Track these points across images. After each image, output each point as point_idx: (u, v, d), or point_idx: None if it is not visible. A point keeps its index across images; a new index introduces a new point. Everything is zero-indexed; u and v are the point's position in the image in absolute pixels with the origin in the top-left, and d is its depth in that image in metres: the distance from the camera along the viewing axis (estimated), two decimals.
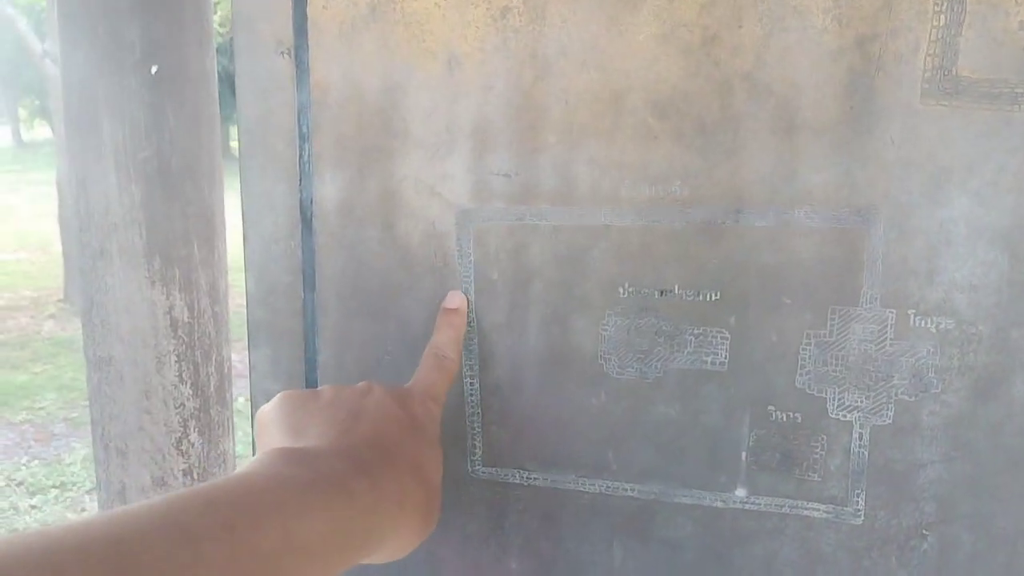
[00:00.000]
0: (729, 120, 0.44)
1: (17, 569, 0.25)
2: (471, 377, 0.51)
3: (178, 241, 0.77)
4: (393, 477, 0.39)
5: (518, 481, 0.51)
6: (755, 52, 0.43)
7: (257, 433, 0.43)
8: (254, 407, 0.55)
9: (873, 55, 0.42)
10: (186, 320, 0.75)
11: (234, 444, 0.87)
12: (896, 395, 0.45)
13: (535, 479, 0.51)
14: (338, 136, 0.49)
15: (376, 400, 0.42)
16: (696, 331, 0.47)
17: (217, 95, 0.84)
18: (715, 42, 0.44)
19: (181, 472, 0.79)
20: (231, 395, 0.85)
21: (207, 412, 0.79)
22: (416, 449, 0.41)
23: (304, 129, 0.50)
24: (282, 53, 0.50)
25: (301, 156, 0.50)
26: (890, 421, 0.45)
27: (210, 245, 0.74)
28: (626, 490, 0.50)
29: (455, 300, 0.49)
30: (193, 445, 0.79)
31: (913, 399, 0.45)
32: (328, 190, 0.50)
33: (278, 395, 0.44)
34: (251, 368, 0.54)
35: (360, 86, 0.49)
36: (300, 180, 0.51)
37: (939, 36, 0.41)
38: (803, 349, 0.46)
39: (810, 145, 0.44)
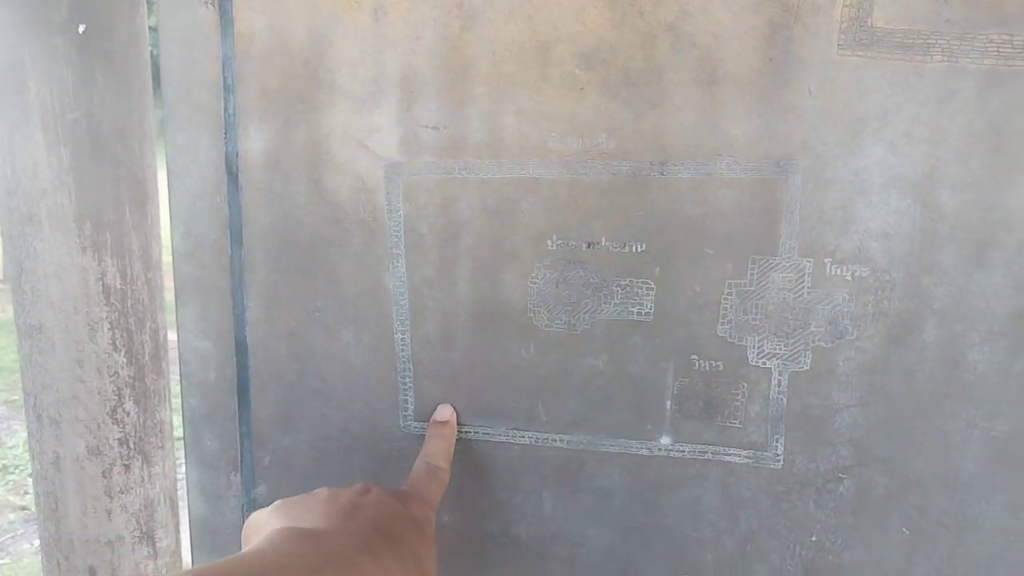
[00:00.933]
0: (653, 71, 0.45)
1: None
2: (402, 332, 0.51)
3: (109, 205, 0.75)
4: (398, 564, 0.39)
5: None
6: (678, 3, 0.44)
7: (245, 536, 0.42)
8: (182, 365, 0.54)
9: (792, 6, 0.43)
10: (119, 286, 0.73)
11: (170, 412, 0.85)
12: (813, 342, 0.46)
13: (466, 432, 0.51)
14: (263, 88, 0.49)
15: (375, 496, 0.42)
16: (623, 282, 0.48)
17: (148, 55, 0.82)
18: None
19: (117, 441, 0.78)
20: (167, 363, 0.83)
21: (142, 380, 0.78)
22: (416, 543, 0.41)
23: (229, 81, 0.49)
24: (205, 3, 0.49)
25: (226, 108, 0.50)
26: (807, 368, 0.46)
27: (143, 209, 0.72)
28: (555, 441, 0.51)
29: (444, 413, 0.50)
30: (128, 414, 0.78)
31: (829, 346, 0.46)
32: (254, 143, 0.50)
33: (274, 504, 0.43)
34: (179, 325, 0.53)
35: (285, 36, 0.48)
36: (225, 133, 0.50)
37: None
38: (724, 299, 0.47)
39: (731, 96, 0.44)
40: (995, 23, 0.41)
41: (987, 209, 0.43)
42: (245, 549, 0.37)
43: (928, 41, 0.42)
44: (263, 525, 0.41)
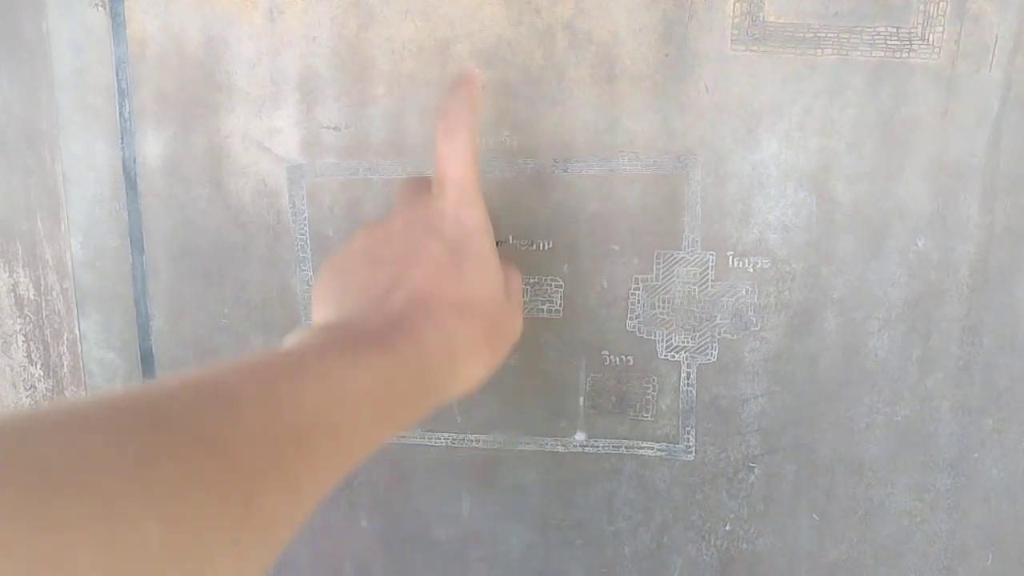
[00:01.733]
0: (552, 69, 0.45)
1: (40, 438, 0.23)
2: None
3: (20, 214, 0.72)
4: (438, 330, 0.35)
5: None
6: (574, 0, 0.44)
7: (312, 314, 0.39)
8: (87, 377, 0.52)
9: (686, 2, 0.43)
10: (32, 298, 0.71)
11: None
12: (719, 334, 0.47)
13: None
14: (159, 91, 0.47)
15: (411, 242, 0.37)
16: (531, 280, 0.48)
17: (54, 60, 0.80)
18: None
19: None
20: (86, 381, 0.81)
21: (61, 393, 0.75)
22: (461, 286, 0.36)
23: (123, 84, 0.48)
24: (96, 6, 0.47)
25: (121, 113, 0.48)
26: (715, 359, 0.47)
27: (55, 218, 0.70)
28: (472, 441, 0.50)
29: (469, 73, 0.40)
30: None
31: (735, 337, 0.47)
32: (152, 148, 0.48)
33: (320, 270, 0.39)
34: (81, 337, 0.52)
35: (180, 38, 0.47)
36: (122, 138, 0.48)
37: None
38: (632, 293, 0.47)
39: (630, 93, 0.44)
40: (882, 16, 0.42)
41: (880, 199, 0.44)
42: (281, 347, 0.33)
43: (819, 35, 0.43)
44: (313, 297, 0.39)
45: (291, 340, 0.33)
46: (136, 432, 0.24)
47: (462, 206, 0.38)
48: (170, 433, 0.24)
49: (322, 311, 0.38)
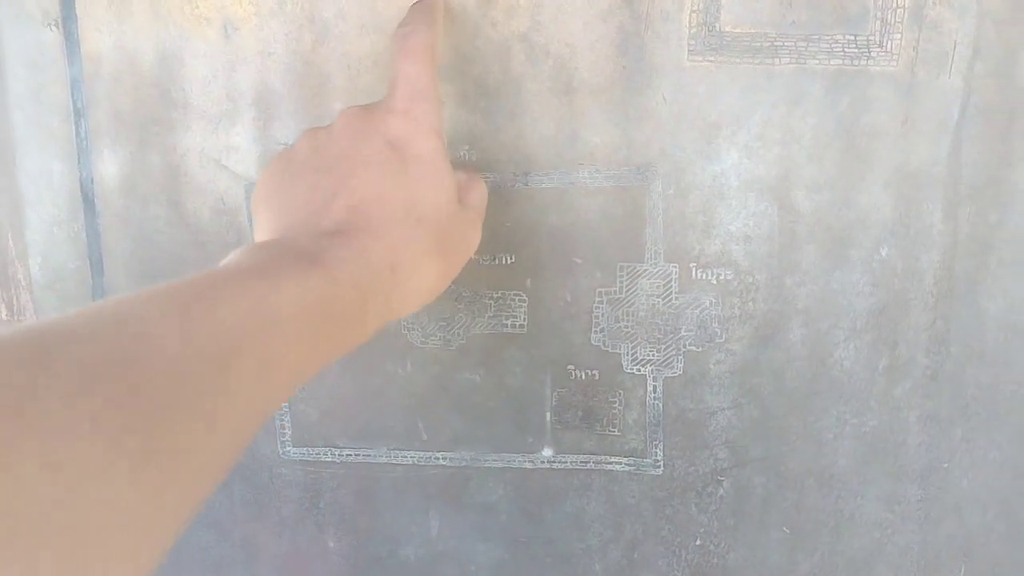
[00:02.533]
0: (510, 83, 0.44)
1: None
2: None
3: None
4: (379, 240, 0.33)
5: (330, 459, 0.50)
6: (530, 13, 0.43)
7: (253, 221, 0.38)
8: None
9: (641, 13, 0.43)
10: (4, 317, 0.70)
11: None
12: (684, 347, 0.46)
13: (347, 455, 0.50)
14: (115, 110, 0.47)
15: (352, 142, 0.35)
16: (495, 295, 0.47)
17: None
18: (491, 3, 0.43)
19: None
20: None
21: None
22: (406, 189, 0.34)
23: (79, 104, 0.47)
24: (50, 25, 0.47)
25: (77, 132, 0.48)
26: (680, 372, 0.46)
27: (26, 238, 0.69)
28: (438, 459, 0.50)
29: None
30: None
31: (700, 349, 0.46)
32: (108, 167, 0.48)
33: (265, 168, 0.38)
34: None
35: (134, 56, 0.46)
36: (79, 158, 0.48)
37: None
38: (596, 307, 0.46)
39: (588, 105, 0.44)
40: (840, 24, 0.42)
41: (842, 208, 0.44)
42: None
43: (776, 43, 0.42)
44: (254, 204, 0.37)
45: (223, 262, 0.31)
46: (20, 365, 0.21)
47: (413, 100, 0.36)
48: (60, 366, 0.22)
49: (263, 226, 0.36)
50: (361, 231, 0.33)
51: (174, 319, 0.25)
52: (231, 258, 0.32)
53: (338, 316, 0.31)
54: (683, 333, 0.46)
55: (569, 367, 0.47)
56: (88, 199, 0.48)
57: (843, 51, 0.42)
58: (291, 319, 0.28)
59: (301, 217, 0.34)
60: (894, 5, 0.41)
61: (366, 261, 0.32)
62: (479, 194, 0.41)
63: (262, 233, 0.36)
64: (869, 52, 0.42)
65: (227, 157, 0.47)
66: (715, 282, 0.45)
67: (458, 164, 0.39)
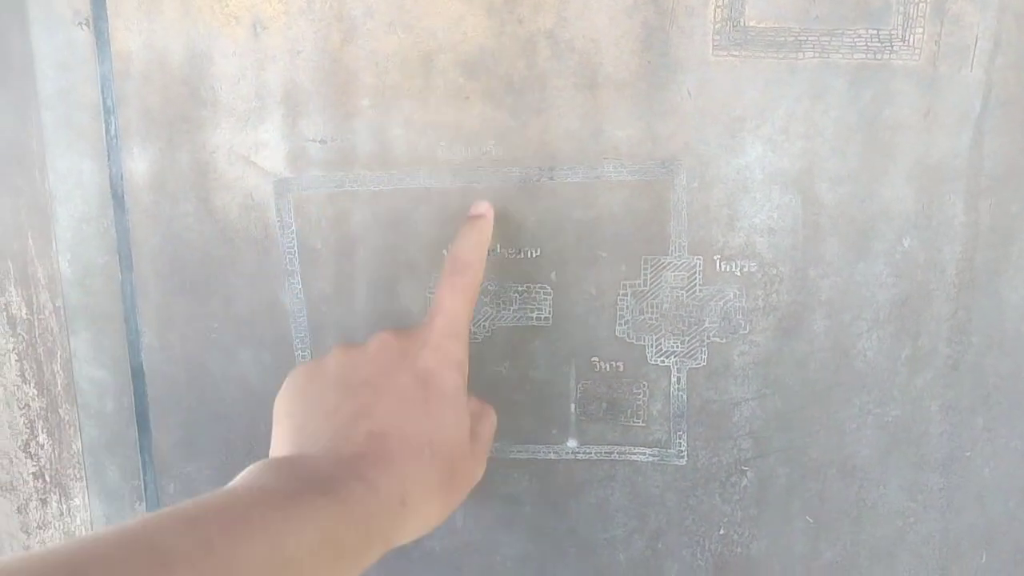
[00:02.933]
0: (536, 78, 0.45)
1: None
2: (302, 350, 0.50)
3: (10, 234, 0.72)
4: (394, 473, 0.34)
5: None
6: (556, 9, 0.44)
7: (274, 424, 0.39)
8: (79, 395, 0.52)
9: (666, 9, 0.43)
10: (25, 316, 0.71)
11: (82, 449, 0.83)
12: (708, 338, 0.47)
13: None
14: (144, 108, 0.48)
15: (382, 369, 0.37)
16: (520, 288, 0.48)
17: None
18: (517, 0, 0.44)
19: (32, 476, 0.75)
20: (77, 399, 0.81)
21: (55, 412, 0.75)
22: (426, 423, 0.36)
23: (109, 102, 0.48)
24: (80, 24, 0.48)
25: (107, 130, 0.48)
26: (704, 363, 0.47)
27: (46, 237, 0.70)
28: None
29: (481, 207, 0.44)
30: (43, 447, 0.75)
31: (724, 341, 0.47)
32: (138, 165, 0.48)
33: (287, 377, 0.39)
34: (72, 355, 0.52)
35: (164, 55, 0.47)
36: (108, 155, 0.49)
37: None
38: (620, 299, 0.47)
39: (613, 100, 0.45)
40: (862, 18, 0.42)
41: (865, 200, 0.44)
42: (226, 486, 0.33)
43: (799, 38, 0.43)
44: (277, 415, 0.39)
45: (244, 477, 0.33)
46: None
47: (447, 337, 0.39)
48: None
49: (284, 435, 0.38)
50: (378, 461, 0.34)
51: (201, 554, 0.27)
52: (252, 478, 0.33)
53: (347, 549, 0.32)
54: (707, 325, 0.47)
55: (594, 359, 0.48)
56: (118, 196, 0.49)
57: (866, 45, 0.43)
58: (305, 557, 0.30)
59: (322, 434, 0.36)
60: (916, 0, 0.42)
61: (378, 494, 0.33)
62: (488, 426, 0.42)
63: (282, 442, 0.38)
64: (891, 46, 0.42)
65: (256, 154, 0.47)
66: (739, 274, 0.46)
67: (469, 392, 0.41)
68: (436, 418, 0.37)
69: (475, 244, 0.42)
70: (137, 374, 0.51)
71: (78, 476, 0.89)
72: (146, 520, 0.28)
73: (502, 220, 0.47)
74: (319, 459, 0.34)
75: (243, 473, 0.34)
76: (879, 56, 0.43)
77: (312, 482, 0.32)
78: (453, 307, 0.39)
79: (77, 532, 0.91)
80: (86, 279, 0.51)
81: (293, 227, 0.48)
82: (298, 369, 0.40)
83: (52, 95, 0.49)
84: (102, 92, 0.48)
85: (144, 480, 0.53)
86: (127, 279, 0.50)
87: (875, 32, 0.42)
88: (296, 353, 0.50)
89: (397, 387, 0.37)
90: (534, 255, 0.47)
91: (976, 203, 0.44)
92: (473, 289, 0.40)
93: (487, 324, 0.48)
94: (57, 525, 0.91)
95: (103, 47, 0.48)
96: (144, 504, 0.53)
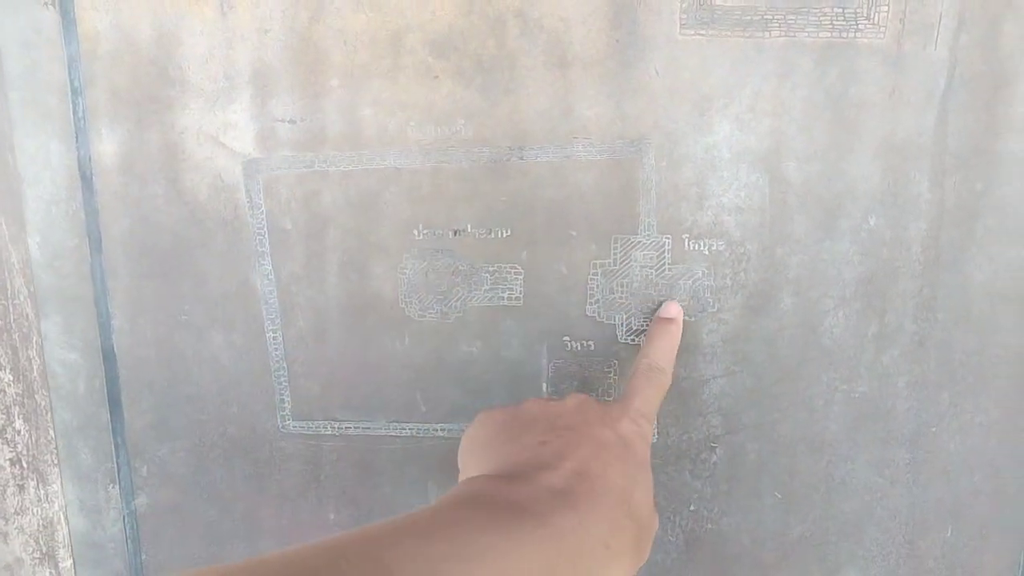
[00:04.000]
0: (505, 57, 0.45)
1: None
2: (273, 331, 0.50)
3: None
4: (601, 515, 0.34)
5: (330, 432, 0.51)
6: None
7: (460, 457, 0.39)
8: (50, 378, 0.52)
9: None
10: None
11: (54, 433, 0.83)
12: None
13: (347, 428, 0.51)
14: (112, 88, 0.47)
15: (583, 419, 0.38)
16: (491, 268, 0.48)
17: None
18: None
19: (8, 461, 0.75)
20: (49, 382, 0.80)
21: (31, 397, 0.75)
22: (626, 479, 0.36)
23: (76, 83, 0.48)
24: (46, 4, 0.47)
25: (75, 111, 0.48)
26: None
27: (20, 221, 0.69)
28: (437, 431, 0.50)
29: (672, 310, 0.46)
30: (19, 432, 0.75)
31: (693, 319, 0.47)
32: (106, 146, 0.48)
33: (478, 416, 0.40)
34: (43, 338, 0.52)
35: (131, 35, 0.47)
36: (76, 137, 0.48)
37: None
38: (591, 279, 0.47)
39: (582, 79, 0.45)
40: None
41: (832, 178, 0.44)
42: (439, 499, 0.33)
43: (766, 17, 0.43)
44: (470, 448, 0.39)
45: (457, 495, 0.33)
46: None
47: (643, 416, 0.40)
48: None
49: (482, 462, 0.37)
50: (586, 500, 0.34)
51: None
52: (465, 497, 0.33)
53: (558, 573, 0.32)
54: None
55: (565, 338, 0.48)
56: (86, 178, 0.49)
57: (831, 24, 0.43)
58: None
59: (527, 464, 0.35)
60: None
61: (588, 532, 0.33)
62: (656, 523, 0.41)
63: (480, 468, 0.37)
64: (857, 24, 0.43)
65: (224, 134, 0.47)
66: (707, 253, 0.46)
67: None
68: (634, 478, 0.37)
69: (668, 349, 0.44)
70: (108, 356, 0.51)
71: (55, 461, 0.89)
72: (369, 534, 0.28)
73: (472, 200, 0.47)
74: (532, 484, 0.34)
75: (457, 490, 0.34)
76: (845, 34, 0.43)
77: (529, 508, 0.32)
78: (647, 395, 0.41)
79: (55, 518, 0.91)
80: (55, 261, 0.50)
81: (263, 208, 0.48)
82: (490, 411, 0.40)
83: (18, 76, 0.48)
84: (69, 73, 0.48)
85: (117, 462, 0.53)
86: (96, 261, 0.50)
87: (840, 11, 0.43)
88: (267, 335, 0.50)
89: (601, 439, 0.37)
90: (504, 235, 0.47)
91: (941, 181, 0.44)
92: (665, 387, 0.43)
93: (458, 304, 0.48)
94: (35, 511, 0.91)
95: (69, 27, 0.47)
96: (117, 487, 0.53)
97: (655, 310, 0.47)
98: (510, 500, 0.32)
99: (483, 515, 0.31)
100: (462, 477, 0.39)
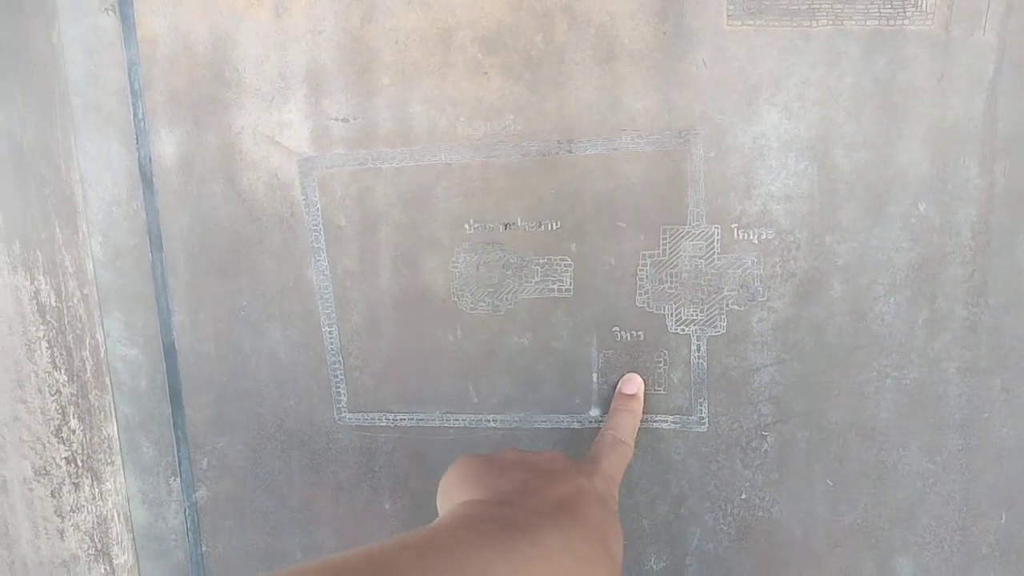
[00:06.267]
0: (553, 52, 0.46)
1: None
2: (329, 325, 0.51)
3: (38, 223, 0.74)
4: (584, 543, 0.36)
5: (385, 424, 0.52)
6: None
7: (439, 497, 0.41)
8: (112, 374, 0.54)
9: None
10: (54, 304, 0.73)
11: (117, 428, 0.85)
12: (727, 306, 0.48)
13: (401, 420, 0.52)
14: (170, 91, 0.49)
15: (562, 467, 0.40)
16: (541, 261, 0.49)
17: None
18: None
19: (64, 460, 0.77)
20: (111, 378, 0.82)
21: (85, 397, 0.77)
22: (602, 521, 0.38)
23: (136, 86, 0.49)
24: (106, 10, 0.49)
25: (135, 114, 0.50)
26: (724, 331, 0.48)
27: (73, 225, 0.71)
28: (488, 421, 0.51)
29: (632, 386, 0.49)
30: (74, 432, 0.77)
31: (742, 308, 0.47)
32: (166, 147, 0.50)
33: (458, 459, 0.42)
34: (105, 334, 0.53)
35: (189, 38, 0.48)
36: (136, 138, 0.50)
37: None
38: (640, 269, 0.48)
39: (629, 72, 0.45)
40: None
41: (881, 165, 0.45)
42: (433, 523, 0.35)
43: (813, 6, 0.43)
44: (450, 486, 0.40)
45: (453, 516, 0.35)
46: None
47: (611, 477, 0.42)
48: None
49: (466, 492, 0.39)
50: (572, 526, 0.36)
51: None
52: (465, 518, 0.34)
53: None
54: (726, 292, 0.47)
55: (615, 329, 0.49)
56: (146, 178, 0.50)
57: (879, 11, 0.43)
58: None
59: (509, 489, 0.37)
60: None
61: (575, 556, 0.35)
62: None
63: (461, 495, 0.39)
64: (904, 11, 0.43)
65: (280, 133, 0.48)
66: (756, 242, 0.46)
67: None
68: (610, 525, 0.38)
69: (630, 425, 0.47)
70: (169, 352, 0.53)
71: (109, 460, 0.91)
72: (372, 554, 0.30)
73: (522, 193, 0.48)
74: (520, 509, 0.36)
75: (454, 510, 0.36)
76: (892, 22, 0.43)
77: (520, 528, 0.34)
78: (613, 461, 0.44)
79: (109, 515, 0.93)
80: (117, 260, 0.52)
81: (318, 205, 0.49)
82: (471, 455, 0.42)
83: (80, 80, 0.50)
84: (129, 76, 0.49)
85: (178, 456, 0.54)
86: (157, 259, 0.51)
87: None
88: (323, 329, 0.51)
89: (579, 485, 0.39)
90: (554, 227, 0.48)
91: (991, 166, 0.44)
92: (628, 457, 0.45)
93: (509, 297, 0.49)
94: (90, 508, 0.93)
95: (129, 32, 0.49)
96: (178, 479, 0.55)
97: (705, 300, 0.47)
98: (505, 519, 0.34)
99: (479, 533, 0.33)
100: (442, 512, 0.40)
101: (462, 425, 0.52)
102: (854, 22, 0.43)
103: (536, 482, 0.38)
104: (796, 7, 0.43)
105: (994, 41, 0.43)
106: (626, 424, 0.47)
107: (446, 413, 0.52)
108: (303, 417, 0.52)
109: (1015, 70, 0.43)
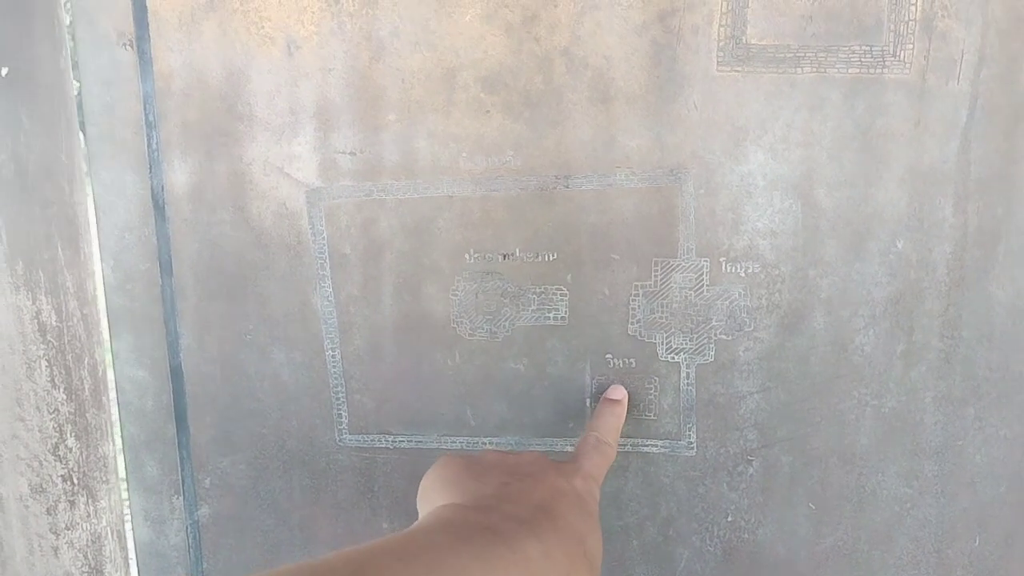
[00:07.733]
0: (552, 92, 0.48)
1: None
2: (332, 349, 0.53)
3: (41, 244, 0.76)
4: (562, 549, 0.36)
5: (384, 445, 0.54)
6: (570, 28, 0.47)
7: (419, 499, 0.42)
8: (119, 394, 0.55)
9: (673, 28, 0.46)
10: (54, 324, 0.74)
11: (114, 447, 0.86)
12: (715, 335, 0.50)
13: (400, 441, 0.54)
14: (184, 123, 0.51)
15: (541, 469, 0.41)
16: (538, 290, 0.51)
17: (74, 94, 0.83)
18: (534, 20, 0.47)
19: (60, 478, 0.78)
20: (108, 398, 0.84)
21: (83, 416, 0.79)
22: (581, 523, 0.38)
23: (151, 117, 0.51)
24: (124, 44, 0.51)
25: (149, 144, 0.51)
26: (712, 359, 0.50)
27: (75, 246, 0.73)
28: (485, 443, 0.53)
29: (618, 392, 0.50)
30: (71, 450, 0.79)
31: (730, 338, 0.50)
32: (178, 176, 0.51)
33: (439, 459, 0.42)
34: (114, 356, 0.55)
35: (203, 73, 0.50)
36: (150, 168, 0.52)
37: (729, 8, 0.46)
38: (632, 300, 0.50)
39: (624, 113, 0.48)
40: (856, 35, 0.46)
41: (861, 204, 0.47)
42: (411, 526, 0.36)
43: (798, 54, 0.46)
44: (429, 488, 0.41)
45: (430, 520, 0.36)
46: None
47: (593, 477, 0.43)
48: None
49: (440, 498, 0.40)
50: (551, 532, 0.37)
51: None
52: (443, 523, 0.35)
53: None
54: (714, 323, 0.50)
55: (607, 356, 0.51)
56: (159, 206, 0.52)
57: (860, 60, 0.46)
58: None
59: (491, 498, 0.38)
60: (906, 18, 0.45)
61: (552, 561, 0.35)
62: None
63: (441, 498, 0.40)
64: (884, 61, 0.46)
65: (289, 165, 0.51)
66: (743, 275, 0.49)
67: None
68: (589, 527, 0.39)
69: (613, 427, 0.48)
70: (176, 374, 0.54)
71: (104, 479, 0.92)
72: (349, 556, 0.31)
73: (520, 225, 0.50)
74: (498, 514, 0.36)
75: (432, 514, 0.37)
76: (872, 70, 0.46)
77: (499, 532, 0.35)
78: (596, 462, 0.44)
79: (103, 533, 0.94)
80: (128, 284, 0.54)
81: (324, 234, 0.51)
82: (451, 456, 0.43)
83: (96, 111, 0.52)
84: (144, 108, 0.51)
85: (182, 475, 0.56)
86: (167, 284, 0.53)
87: (868, 48, 0.46)
88: (326, 353, 0.53)
89: (558, 487, 0.40)
90: (551, 258, 0.50)
91: (964, 206, 0.47)
92: (610, 459, 0.46)
93: (506, 324, 0.51)
94: (84, 526, 0.94)
95: (146, 66, 0.51)
96: (181, 498, 0.56)
97: (694, 329, 0.50)
98: (482, 525, 0.35)
99: (457, 539, 0.34)
100: (422, 515, 0.41)
101: (459, 447, 0.53)
102: (836, 70, 0.46)
103: (515, 486, 0.39)
104: (782, 55, 0.46)
105: (967, 89, 0.46)
106: (610, 426, 0.48)
107: (444, 435, 0.53)
108: (305, 438, 0.54)
109: (987, 116, 0.46)
